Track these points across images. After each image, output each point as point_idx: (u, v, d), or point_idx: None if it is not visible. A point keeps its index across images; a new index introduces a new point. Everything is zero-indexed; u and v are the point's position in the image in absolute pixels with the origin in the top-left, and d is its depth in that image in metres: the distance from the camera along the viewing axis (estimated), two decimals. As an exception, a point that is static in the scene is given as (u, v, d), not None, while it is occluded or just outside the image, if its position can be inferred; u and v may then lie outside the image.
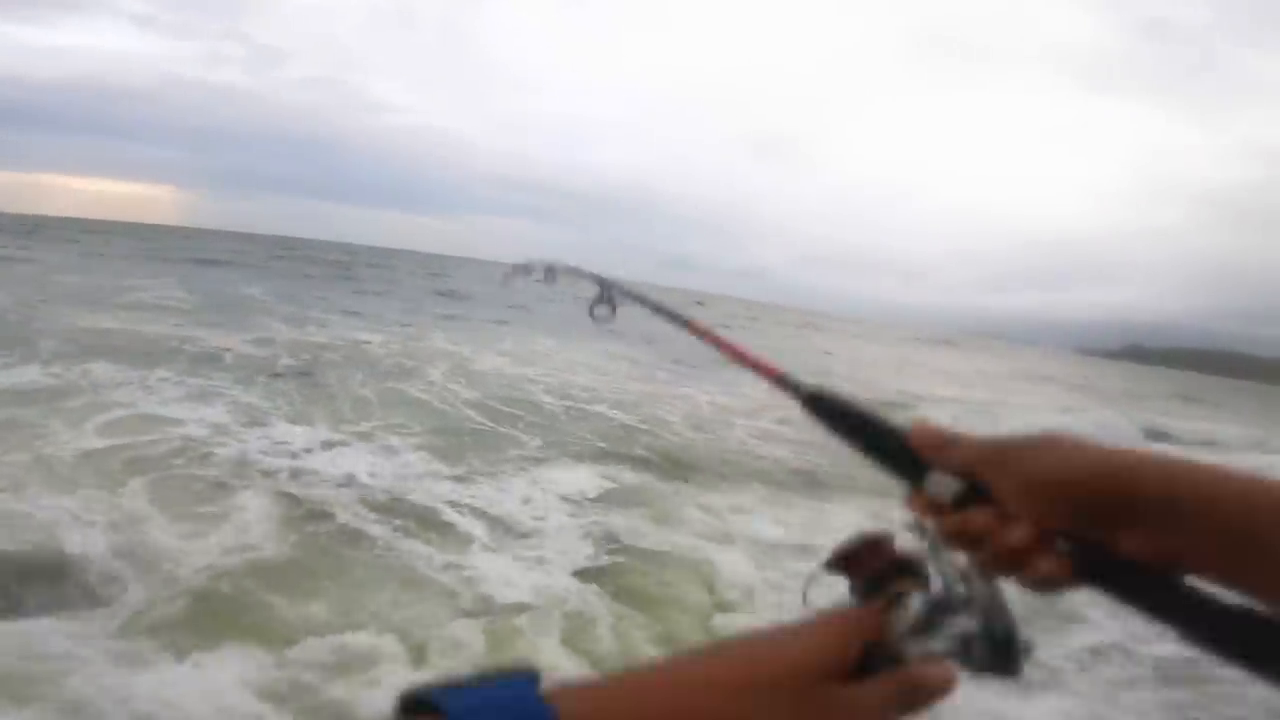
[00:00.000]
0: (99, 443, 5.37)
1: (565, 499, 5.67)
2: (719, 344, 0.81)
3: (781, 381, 0.65)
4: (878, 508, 6.32)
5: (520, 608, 3.85)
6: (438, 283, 35.62)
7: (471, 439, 7.10)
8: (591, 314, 1.26)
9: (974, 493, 0.50)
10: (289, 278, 26.54)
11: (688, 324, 0.92)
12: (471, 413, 8.19)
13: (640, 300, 1.14)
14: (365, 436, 6.58)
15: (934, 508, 0.51)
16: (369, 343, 12.38)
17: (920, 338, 54.43)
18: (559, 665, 3.37)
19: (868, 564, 0.52)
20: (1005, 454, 0.49)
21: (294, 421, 6.71)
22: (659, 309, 1.02)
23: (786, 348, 26.55)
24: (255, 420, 6.60)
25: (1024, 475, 0.47)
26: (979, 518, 0.48)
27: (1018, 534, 0.47)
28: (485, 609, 3.81)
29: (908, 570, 0.51)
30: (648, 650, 3.66)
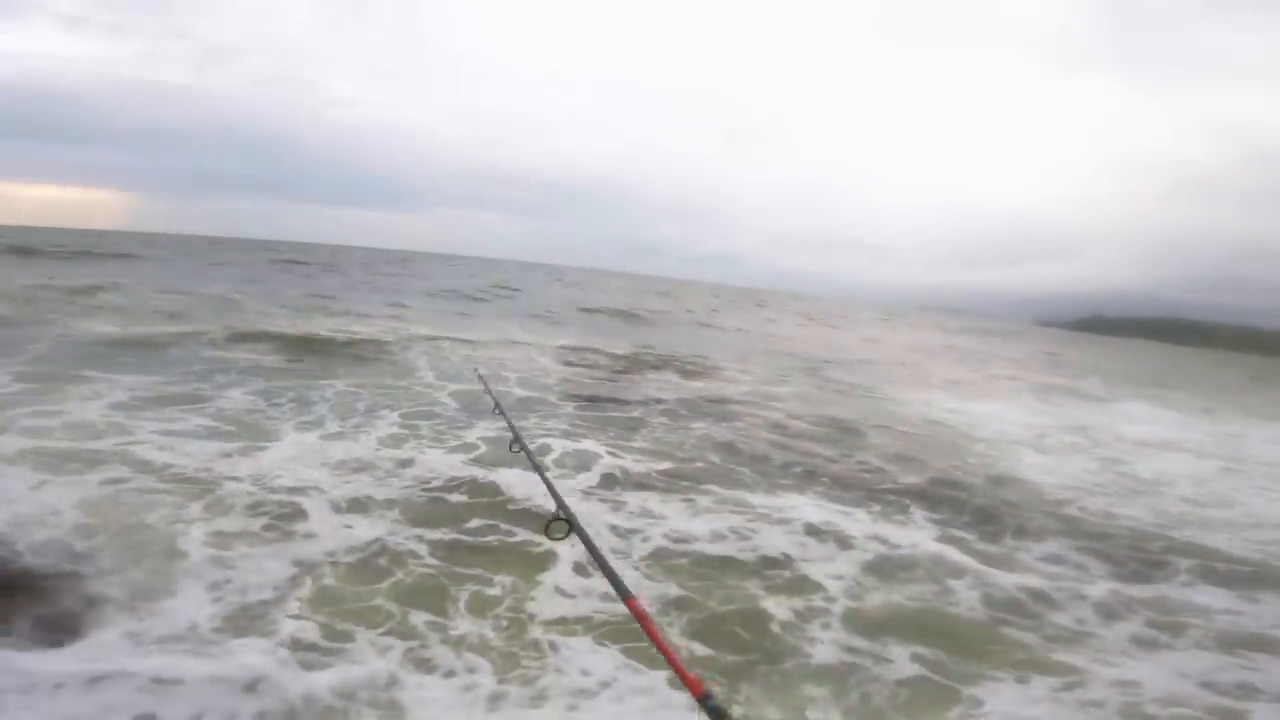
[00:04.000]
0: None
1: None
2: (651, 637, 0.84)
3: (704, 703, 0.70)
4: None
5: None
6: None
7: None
8: (546, 532, 1.42)
9: None
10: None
11: (626, 598, 0.96)
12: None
13: (588, 545, 1.19)
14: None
15: None
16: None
17: (950, 326, 53.06)
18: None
19: None
20: None
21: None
22: (603, 565, 1.05)
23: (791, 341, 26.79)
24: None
25: None
26: None
27: None
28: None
29: None
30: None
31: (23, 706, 2.56)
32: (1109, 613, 4.36)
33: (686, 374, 12.73)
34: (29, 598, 3.25)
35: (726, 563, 4.55)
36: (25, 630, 3.03)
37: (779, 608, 4.00)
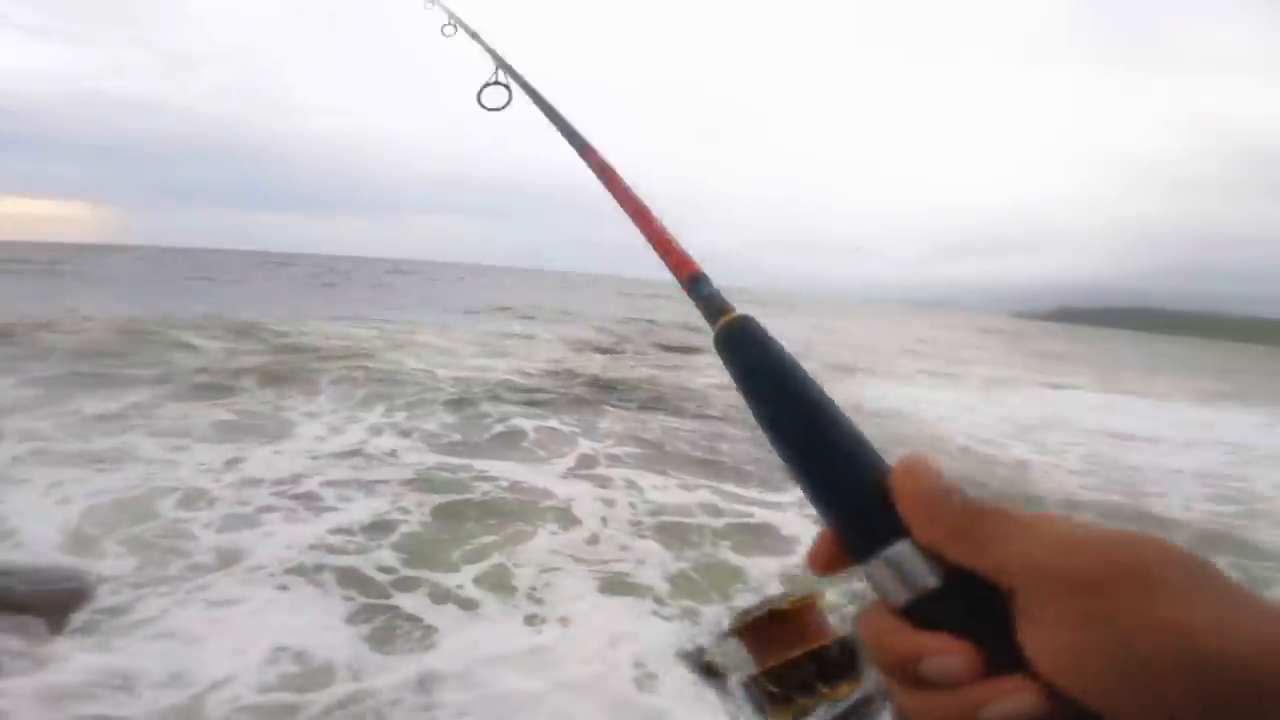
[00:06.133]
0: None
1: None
2: (619, 197, 0.61)
3: (694, 287, 0.46)
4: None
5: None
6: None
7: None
8: (479, 99, 1.06)
9: (959, 603, 0.26)
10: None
11: (585, 151, 0.73)
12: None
13: (538, 102, 0.92)
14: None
15: (875, 603, 0.28)
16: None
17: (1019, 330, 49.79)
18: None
19: (777, 642, 0.32)
20: (1075, 556, 0.24)
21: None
22: (557, 120, 0.84)
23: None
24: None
25: (1125, 624, 0.23)
26: (950, 658, 0.26)
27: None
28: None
29: (830, 668, 0.31)
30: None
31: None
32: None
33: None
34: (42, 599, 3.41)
35: (701, 528, 5.01)
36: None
37: (753, 567, 4.45)
